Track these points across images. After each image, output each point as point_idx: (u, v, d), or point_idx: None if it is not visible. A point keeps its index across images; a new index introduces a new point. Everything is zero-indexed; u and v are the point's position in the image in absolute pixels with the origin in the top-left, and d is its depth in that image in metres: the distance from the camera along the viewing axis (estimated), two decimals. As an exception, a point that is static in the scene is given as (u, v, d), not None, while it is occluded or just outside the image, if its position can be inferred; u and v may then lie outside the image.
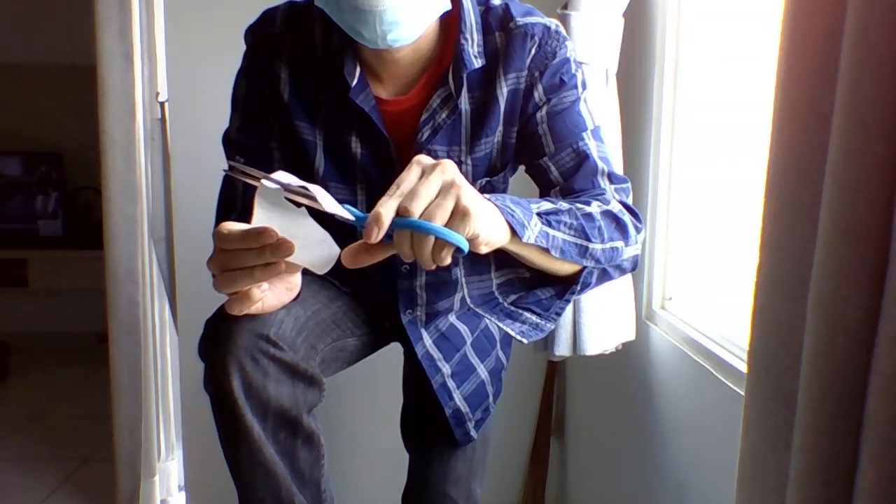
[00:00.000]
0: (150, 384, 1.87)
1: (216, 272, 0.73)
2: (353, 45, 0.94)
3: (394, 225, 0.65)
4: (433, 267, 0.68)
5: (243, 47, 1.01)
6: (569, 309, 1.36)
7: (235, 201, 1.02)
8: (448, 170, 0.67)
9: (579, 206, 0.89)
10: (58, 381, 3.03)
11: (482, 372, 1.13)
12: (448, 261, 0.68)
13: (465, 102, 0.97)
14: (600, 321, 1.34)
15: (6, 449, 2.36)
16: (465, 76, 0.94)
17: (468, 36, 0.94)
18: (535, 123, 0.97)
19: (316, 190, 0.67)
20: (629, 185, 0.99)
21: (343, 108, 0.97)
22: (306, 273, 1.10)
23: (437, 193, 0.66)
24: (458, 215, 0.66)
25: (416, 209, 0.65)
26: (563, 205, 0.87)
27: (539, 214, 0.81)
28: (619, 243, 0.91)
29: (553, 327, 1.01)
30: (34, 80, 3.35)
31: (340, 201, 1.02)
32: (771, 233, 0.63)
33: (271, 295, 0.81)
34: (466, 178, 0.98)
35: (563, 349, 1.39)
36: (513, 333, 1.00)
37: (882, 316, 0.50)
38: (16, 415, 2.64)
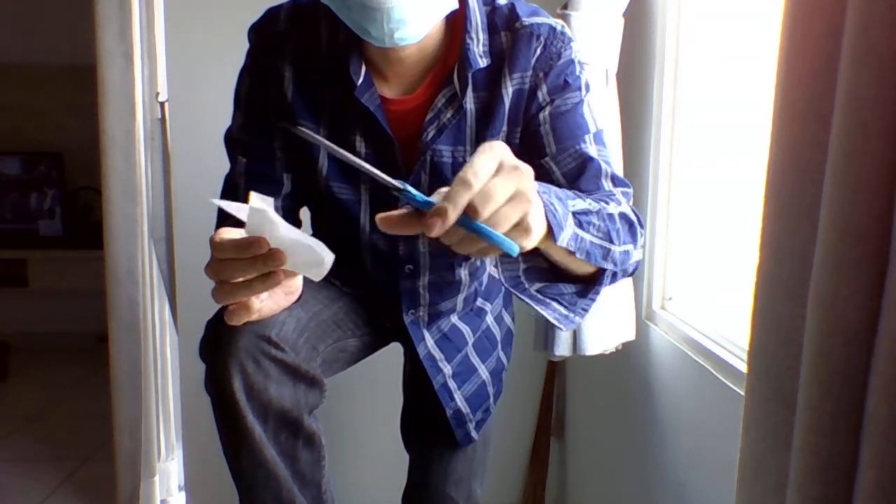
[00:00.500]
0: (150, 384, 1.87)
1: (214, 279, 0.72)
2: (359, 44, 0.93)
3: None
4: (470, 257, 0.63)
5: (244, 47, 1.01)
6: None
7: (237, 202, 1.02)
8: (524, 180, 0.64)
9: (603, 205, 0.87)
10: (58, 381, 3.03)
11: (483, 373, 1.13)
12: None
13: (470, 102, 0.96)
14: (600, 321, 1.34)
15: (6, 449, 2.36)
16: (469, 76, 0.94)
17: (474, 35, 0.93)
18: (538, 123, 0.96)
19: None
20: (632, 189, 0.99)
21: (347, 106, 0.96)
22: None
23: (508, 199, 0.63)
24: (521, 229, 0.64)
25: (486, 213, 0.61)
26: (593, 204, 0.85)
27: (574, 214, 0.79)
28: (630, 246, 0.90)
29: (581, 321, 0.99)
30: (34, 80, 3.35)
31: (342, 201, 1.02)
32: (771, 233, 0.63)
33: (270, 301, 0.79)
34: None
35: (563, 349, 1.39)
36: (550, 319, 0.97)
37: (882, 316, 0.50)
38: (16, 415, 2.64)
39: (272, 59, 0.97)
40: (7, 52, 3.33)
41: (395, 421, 1.21)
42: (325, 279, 1.12)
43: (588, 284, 0.93)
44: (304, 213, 1.13)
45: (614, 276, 0.94)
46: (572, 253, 0.80)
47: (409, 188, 0.63)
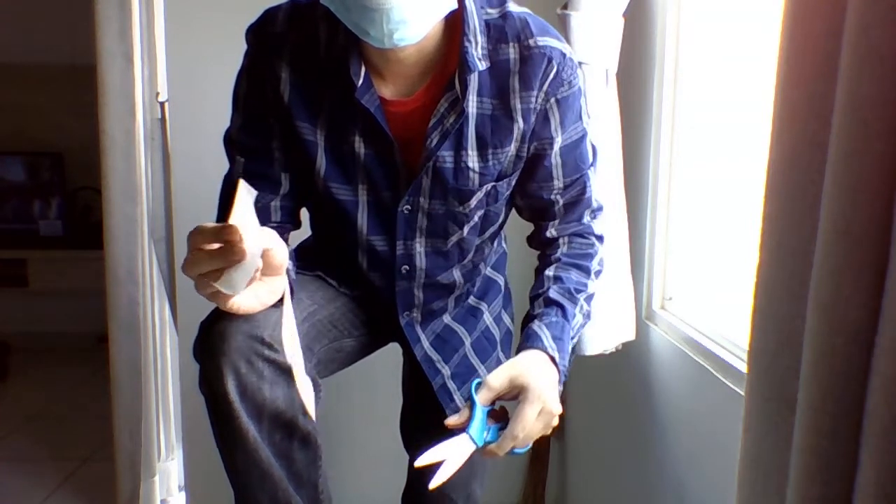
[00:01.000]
0: (150, 384, 1.87)
1: (190, 274, 0.78)
2: (359, 45, 0.93)
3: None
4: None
5: (244, 47, 1.01)
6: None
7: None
8: (556, 418, 0.95)
9: (589, 282, 1.07)
10: (58, 381, 3.03)
11: (483, 373, 1.13)
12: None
13: (471, 106, 0.96)
14: (600, 321, 1.34)
15: (6, 449, 2.36)
16: (469, 78, 0.94)
17: (472, 38, 0.93)
18: (548, 154, 1.02)
19: None
20: (604, 209, 1.12)
21: (346, 107, 0.96)
22: (303, 273, 1.10)
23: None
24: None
25: (522, 447, 0.92)
26: (584, 306, 1.05)
27: (572, 338, 1.02)
28: (593, 288, 1.08)
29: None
30: (34, 80, 3.35)
31: (340, 202, 1.02)
32: (771, 233, 0.63)
33: (251, 295, 0.83)
34: (471, 184, 0.99)
35: (563, 349, 1.39)
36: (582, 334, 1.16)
37: (882, 316, 0.50)
38: (16, 415, 2.64)
39: (269, 61, 0.97)
40: (7, 52, 3.33)
41: (395, 421, 1.21)
42: (323, 280, 1.13)
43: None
44: (304, 214, 1.13)
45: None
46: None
47: (472, 436, 0.92)
